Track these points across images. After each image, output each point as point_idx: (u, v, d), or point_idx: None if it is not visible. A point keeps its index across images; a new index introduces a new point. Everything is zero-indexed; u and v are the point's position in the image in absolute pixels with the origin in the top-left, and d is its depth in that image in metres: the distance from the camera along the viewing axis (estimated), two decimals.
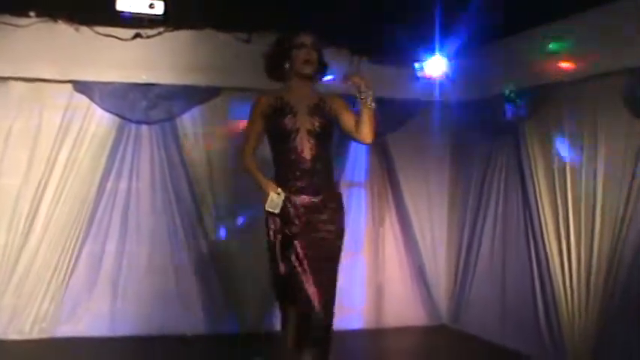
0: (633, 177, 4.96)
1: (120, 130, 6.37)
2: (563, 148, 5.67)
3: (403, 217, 7.14)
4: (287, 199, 4.16)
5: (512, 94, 6.14)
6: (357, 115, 4.23)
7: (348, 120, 4.31)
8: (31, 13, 5.95)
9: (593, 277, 5.30)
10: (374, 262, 7.07)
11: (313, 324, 4.12)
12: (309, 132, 4.19)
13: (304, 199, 4.18)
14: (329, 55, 5.86)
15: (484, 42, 6.46)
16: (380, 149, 7.03)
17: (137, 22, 6.01)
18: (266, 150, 4.41)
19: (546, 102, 5.83)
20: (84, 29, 6.08)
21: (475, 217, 6.85)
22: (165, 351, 6.02)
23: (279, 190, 4.17)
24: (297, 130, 4.19)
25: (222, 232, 6.58)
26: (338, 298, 6.52)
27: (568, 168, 5.61)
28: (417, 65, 6.65)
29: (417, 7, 5.89)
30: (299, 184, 4.19)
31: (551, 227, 5.79)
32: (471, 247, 6.90)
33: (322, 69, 4.40)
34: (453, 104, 7.10)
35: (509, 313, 6.36)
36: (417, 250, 7.16)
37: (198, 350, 6.13)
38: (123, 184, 6.44)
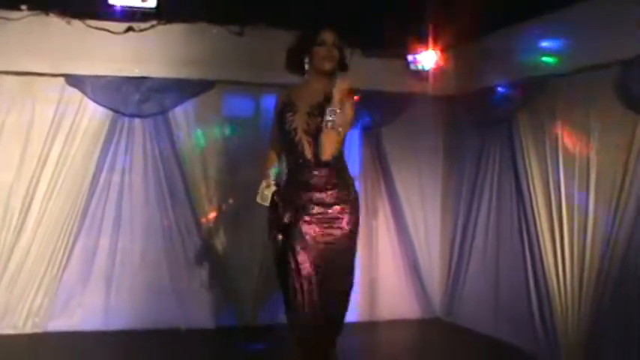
0: (626, 169, 4.96)
1: (113, 124, 6.35)
2: (556, 141, 5.67)
3: (396, 210, 7.15)
4: (278, 193, 4.16)
5: None
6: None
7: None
8: (23, 7, 5.92)
9: (586, 271, 5.31)
10: (367, 255, 7.07)
11: (299, 322, 4.11)
12: (306, 132, 4.18)
13: (307, 195, 4.15)
14: None
15: (476, 35, 6.47)
16: (373, 142, 7.03)
17: (130, 15, 6.00)
18: None
19: (539, 94, 5.83)
20: (76, 23, 6.07)
21: (468, 210, 6.86)
22: (159, 345, 6.01)
23: (271, 183, 4.18)
24: (295, 130, 4.18)
25: (216, 226, 6.56)
26: None
27: (561, 161, 5.61)
28: (409, 58, 6.65)
29: (409, 0, 5.90)
30: (302, 180, 4.18)
31: (544, 220, 5.80)
32: (465, 240, 6.91)
33: (343, 67, 4.36)
34: (446, 97, 7.12)
35: (502, 306, 6.37)
36: (411, 243, 7.17)
37: (192, 344, 6.12)
38: (116, 178, 6.42)
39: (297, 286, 4.07)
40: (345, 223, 4.20)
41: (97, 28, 6.10)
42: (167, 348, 5.97)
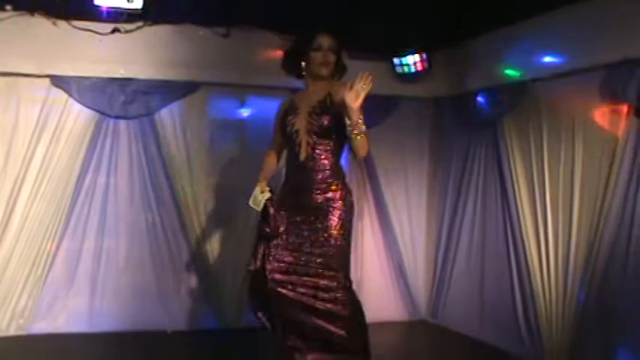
0: (610, 171, 4.99)
1: (98, 125, 6.31)
2: (541, 144, 5.69)
3: (382, 212, 7.14)
4: (272, 200, 4.20)
5: None
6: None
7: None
8: (8, 7, 5.88)
9: (570, 272, 5.33)
10: (352, 257, 6.94)
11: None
12: (308, 132, 4.21)
13: (299, 198, 4.21)
14: None
15: (463, 38, 6.49)
16: None
17: (115, 16, 5.97)
18: None
19: (525, 97, 5.85)
20: (61, 23, 6.03)
21: (454, 212, 6.88)
22: (144, 347, 5.98)
23: (265, 189, 4.21)
24: (298, 131, 4.24)
25: (201, 228, 6.54)
26: None
27: (546, 164, 5.64)
28: (395, 61, 6.66)
29: (396, 2, 5.91)
30: (294, 180, 4.26)
31: (529, 223, 5.82)
32: (450, 242, 6.91)
33: (340, 70, 4.42)
34: (432, 100, 7.14)
35: (487, 308, 6.38)
36: (396, 245, 7.16)
37: (177, 346, 6.10)
38: (101, 180, 6.39)
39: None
40: (333, 225, 4.23)
41: (82, 28, 6.06)
42: (152, 350, 5.95)
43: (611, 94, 4.98)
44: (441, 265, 7.04)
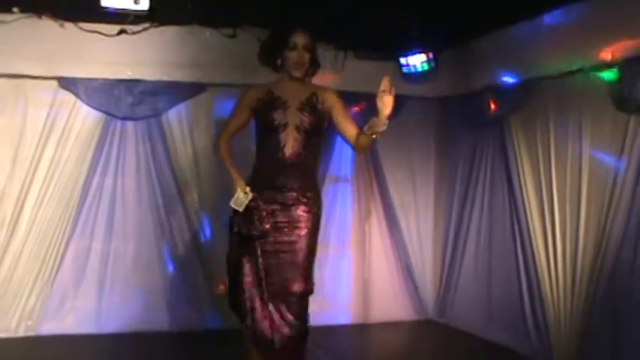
0: (618, 169, 4.98)
1: (105, 127, 6.34)
2: (548, 142, 5.68)
3: (389, 212, 7.15)
4: (255, 199, 4.14)
5: None
6: (360, 130, 4.18)
7: (345, 126, 4.32)
8: (15, 9, 5.90)
9: (578, 271, 5.32)
10: (360, 257, 7.08)
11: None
12: (297, 128, 4.19)
13: (276, 194, 4.18)
14: None
15: (469, 36, 6.49)
16: None
17: (122, 18, 5.99)
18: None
19: (532, 96, 5.84)
20: (69, 25, 6.06)
21: (461, 212, 6.87)
22: (152, 348, 6.00)
23: (248, 189, 4.13)
24: (286, 125, 4.19)
25: (209, 228, 6.56)
26: (324, 293, 6.58)
27: (553, 162, 5.63)
28: (402, 60, 6.65)
29: (402, 2, 5.90)
30: (275, 179, 4.20)
31: (537, 222, 5.81)
32: (457, 242, 6.91)
33: (315, 68, 4.37)
34: (439, 99, 7.13)
35: (495, 307, 6.38)
36: (404, 244, 7.17)
37: (185, 347, 6.11)
38: (109, 181, 6.41)
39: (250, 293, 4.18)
40: (308, 221, 4.23)
41: (89, 30, 6.09)
42: (159, 351, 5.97)
43: (618, 92, 4.97)
44: (449, 265, 7.03)
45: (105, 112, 6.31)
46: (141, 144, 6.46)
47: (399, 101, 6.78)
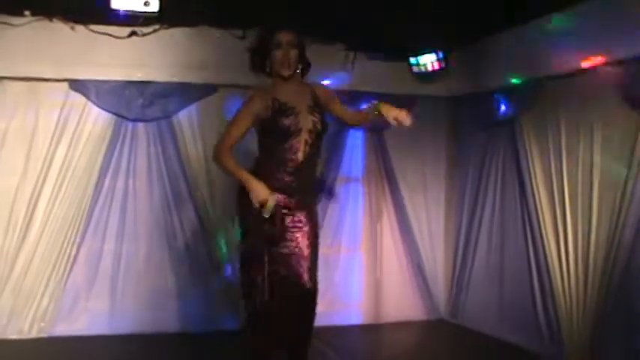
0: (630, 169, 4.96)
1: (116, 129, 6.36)
2: (559, 142, 5.67)
3: (401, 212, 7.14)
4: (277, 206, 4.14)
5: None
6: (358, 111, 4.25)
7: (345, 114, 4.45)
8: (27, 12, 5.94)
9: (590, 270, 5.31)
10: (372, 257, 7.08)
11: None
12: (310, 131, 4.19)
13: (284, 198, 4.18)
14: (324, 50, 5.89)
15: (479, 37, 6.47)
16: (376, 144, 7.03)
17: (132, 19, 6.00)
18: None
19: (543, 95, 5.83)
20: (79, 28, 6.09)
21: (472, 211, 6.86)
22: (164, 349, 6.01)
23: (274, 194, 4.10)
24: (300, 131, 4.17)
25: (220, 229, 6.56)
26: (336, 293, 6.58)
27: (565, 161, 5.61)
28: (412, 60, 6.65)
29: (413, 2, 5.90)
30: (285, 181, 4.19)
31: (548, 221, 5.80)
32: (469, 241, 6.90)
33: (305, 66, 4.36)
34: (450, 99, 7.12)
35: (507, 306, 6.37)
36: (415, 244, 7.16)
37: (198, 348, 6.12)
38: (120, 183, 6.43)
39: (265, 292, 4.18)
40: (312, 222, 4.27)
41: (100, 32, 6.12)
42: (172, 352, 5.98)
43: (630, 91, 4.95)
44: (460, 264, 7.03)
45: (116, 114, 6.33)
46: (152, 145, 6.48)
47: (410, 101, 6.88)
